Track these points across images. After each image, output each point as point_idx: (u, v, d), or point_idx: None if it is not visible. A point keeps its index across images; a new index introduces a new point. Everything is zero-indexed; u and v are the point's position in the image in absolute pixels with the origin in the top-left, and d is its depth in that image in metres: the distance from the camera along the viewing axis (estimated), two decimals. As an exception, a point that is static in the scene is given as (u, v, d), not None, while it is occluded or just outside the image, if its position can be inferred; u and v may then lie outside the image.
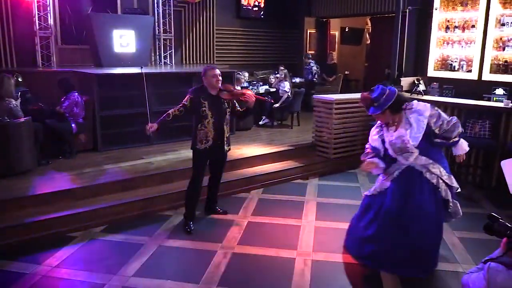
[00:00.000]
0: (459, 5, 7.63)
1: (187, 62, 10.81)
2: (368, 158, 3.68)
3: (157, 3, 9.79)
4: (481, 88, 7.05)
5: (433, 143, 3.50)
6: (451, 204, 3.59)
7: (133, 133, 6.75)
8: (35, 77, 7.38)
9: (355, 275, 3.72)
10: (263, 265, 3.88)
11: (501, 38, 7.12)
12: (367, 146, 3.83)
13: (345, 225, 4.67)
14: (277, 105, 8.60)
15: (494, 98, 6.68)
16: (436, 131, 3.43)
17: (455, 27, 7.66)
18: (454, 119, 3.48)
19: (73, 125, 6.06)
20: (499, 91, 6.73)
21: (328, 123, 6.74)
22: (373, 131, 3.73)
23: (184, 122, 7.14)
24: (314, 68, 10.82)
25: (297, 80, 11.06)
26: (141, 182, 5.28)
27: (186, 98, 4.42)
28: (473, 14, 7.36)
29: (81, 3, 9.18)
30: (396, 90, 3.49)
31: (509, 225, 1.93)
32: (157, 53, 10.06)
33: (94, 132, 6.49)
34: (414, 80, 7.26)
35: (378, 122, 3.66)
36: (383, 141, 3.57)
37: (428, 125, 3.40)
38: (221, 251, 4.10)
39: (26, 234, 4.21)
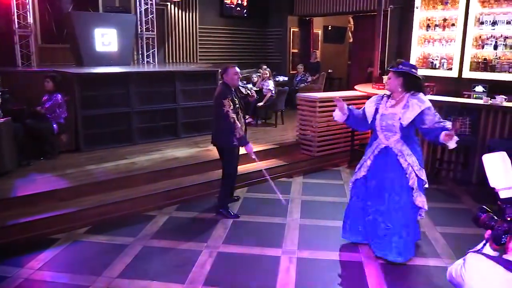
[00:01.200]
0: (440, 3, 7.75)
1: (170, 61, 10.74)
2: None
3: (139, 1, 9.71)
4: (461, 86, 7.18)
5: (414, 135, 3.82)
6: (415, 193, 3.79)
7: (116, 133, 6.69)
8: (14, 76, 7.24)
9: (339, 271, 3.76)
10: (248, 263, 3.89)
11: (480, 37, 7.25)
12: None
13: (330, 223, 4.75)
14: (261, 103, 8.61)
15: (474, 95, 6.80)
16: (426, 122, 3.63)
17: (436, 25, 7.77)
18: (447, 121, 3.62)
19: (54, 125, 5.97)
20: (479, 88, 6.85)
21: (312, 121, 6.79)
22: (373, 98, 4.01)
23: (167, 122, 7.23)
24: (310, 79, 10.90)
25: (281, 78, 11.09)
26: (125, 182, 5.23)
27: (226, 104, 4.47)
28: (453, 12, 7.48)
29: (62, 1, 9.05)
30: (422, 79, 3.85)
31: (495, 218, 1.96)
32: (140, 52, 9.97)
33: (76, 132, 6.40)
34: (396, 78, 7.32)
35: (382, 95, 3.96)
36: (376, 110, 3.87)
37: (421, 114, 3.63)
38: (206, 250, 4.09)
39: (8, 237, 4.13)
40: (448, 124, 3.56)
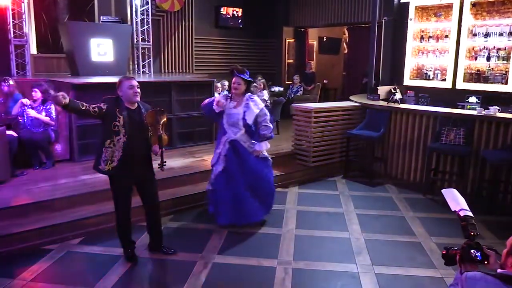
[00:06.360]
0: (433, 15, 7.84)
1: (166, 71, 10.76)
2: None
3: (136, 11, 9.75)
4: (455, 96, 7.23)
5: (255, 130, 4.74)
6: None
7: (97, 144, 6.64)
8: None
9: (335, 282, 3.74)
10: (244, 274, 3.87)
11: (473, 48, 7.33)
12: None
13: (326, 233, 4.75)
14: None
15: (468, 106, 6.85)
16: (258, 123, 4.71)
17: (430, 37, 7.85)
18: (270, 129, 4.77)
19: (52, 133, 5.97)
20: (472, 99, 6.91)
21: (307, 131, 6.80)
22: (221, 97, 4.86)
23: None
24: (302, 90, 11.01)
25: (276, 89, 11.13)
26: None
27: (103, 104, 3.78)
28: (447, 24, 7.57)
29: (58, 11, 9.07)
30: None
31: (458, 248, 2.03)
32: (136, 62, 9.98)
33: (70, 142, 6.37)
34: (390, 89, 7.39)
35: (226, 96, 4.94)
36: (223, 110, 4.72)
37: (257, 116, 4.68)
38: (201, 261, 4.06)
39: (0, 247, 4.08)
40: (267, 129, 4.72)
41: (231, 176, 4.73)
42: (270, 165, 4.99)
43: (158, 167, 3.85)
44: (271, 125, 4.79)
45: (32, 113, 5.82)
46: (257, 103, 4.75)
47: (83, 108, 3.69)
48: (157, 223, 4.22)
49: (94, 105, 3.74)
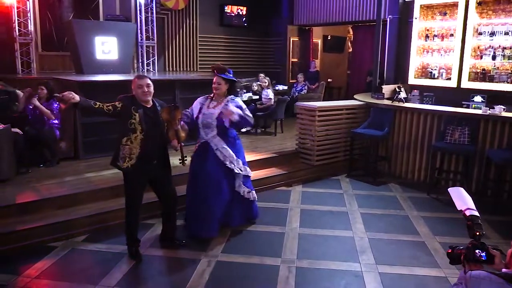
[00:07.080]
0: (438, 14, 7.80)
1: (170, 69, 10.78)
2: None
3: (140, 10, 9.76)
4: (460, 96, 7.20)
5: (230, 132, 4.52)
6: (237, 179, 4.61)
7: (115, 141, 6.65)
8: (14, 84, 7.25)
9: (339, 281, 3.74)
10: (247, 273, 3.87)
11: (478, 47, 7.28)
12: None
13: (329, 232, 4.74)
14: (261, 113, 8.63)
15: (473, 105, 6.82)
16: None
17: (434, 35, 7.81)
18: (251, 118, 4.49)
19: (57, 131, 6.00)
20: (478, 98, 6.88)
21: (311, 130, 6.79)
22: (200, 98, 4.62)
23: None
24: (306, 88, 11.00)
25: (280, 87, 11.13)
26: (123, 190, 5.19)
27: (118, 102, 3.86)
28: (452, 23, 7.52)
29: (62, 9, 9.11)
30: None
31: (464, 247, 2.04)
32: (140, 60, 10.00)
33: (75, 140, 6.39)
34: (395, 88, 7.36)
35: (207, 96, 4.61)
36: (201, 109, 4.48)
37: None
38: (205, 259, 4.07)
39: (5, 245, 4.10)
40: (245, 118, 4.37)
41: (192, 180, 4.53)
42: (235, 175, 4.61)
43: (180, 162, 3.98)
44: (251, 119, 4.49)
45: (36, 103, 5.83)
46: (238, 104, 4.43)
47: (96, 107, 3.77)
48: (174, 216, 4.31)
49: (108, 104, 3.80)
